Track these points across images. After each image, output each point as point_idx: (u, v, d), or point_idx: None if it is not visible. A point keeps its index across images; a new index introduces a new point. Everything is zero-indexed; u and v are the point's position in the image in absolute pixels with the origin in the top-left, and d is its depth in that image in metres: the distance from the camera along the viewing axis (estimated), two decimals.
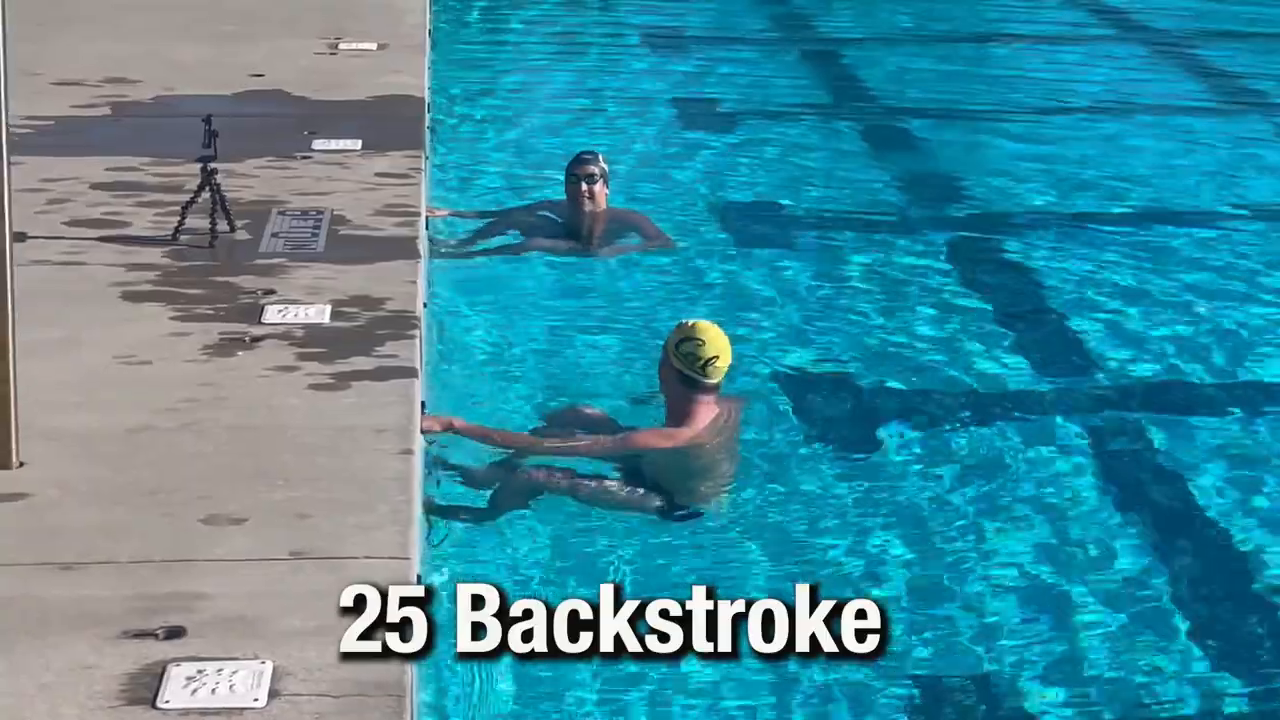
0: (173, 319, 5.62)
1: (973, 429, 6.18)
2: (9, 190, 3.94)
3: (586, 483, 4.96)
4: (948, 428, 6.22)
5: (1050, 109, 11.64)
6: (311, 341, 5.20)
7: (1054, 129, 11.02)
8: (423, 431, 4.67)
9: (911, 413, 6.35)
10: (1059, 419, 6.20)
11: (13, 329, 4.06)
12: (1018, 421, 6.26)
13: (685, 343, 4.85)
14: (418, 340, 5.45)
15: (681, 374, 4.84)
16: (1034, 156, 10.02)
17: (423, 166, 7.76)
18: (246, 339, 5.14)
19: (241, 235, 6.24)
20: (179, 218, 6.16)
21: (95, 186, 6.93)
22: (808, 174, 9.48)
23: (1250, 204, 9.14)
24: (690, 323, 5.12)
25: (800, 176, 9.43)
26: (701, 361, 4.78)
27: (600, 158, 7.54)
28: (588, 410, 5.65)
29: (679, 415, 4.94)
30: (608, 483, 4.97)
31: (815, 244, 8.39)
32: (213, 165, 6.07)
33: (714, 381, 4.87)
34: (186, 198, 6.18)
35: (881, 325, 7.23)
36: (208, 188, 6.10)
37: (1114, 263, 8.37)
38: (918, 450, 5.87)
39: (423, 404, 4.96)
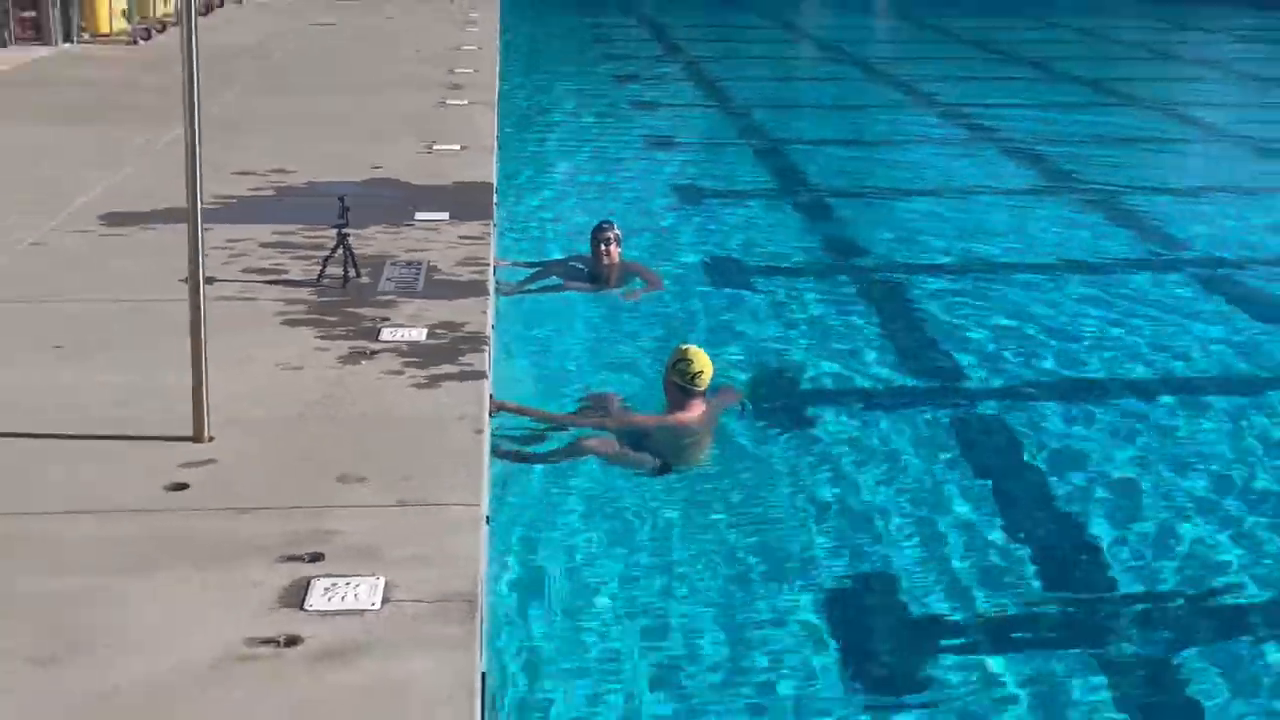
0: (317, 339, 5.36)
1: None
2: (202, 246, 3.92)
3: (605, 446, 4.99)
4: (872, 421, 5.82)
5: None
6: (413, 354, 5.09)
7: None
8: (490, 414, 4.66)
9: (839, 402, 6.10)
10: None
11: (204, 346, 3.95)
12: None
13: (679, 363, 4.92)
14: (487, 353, 5.30)
15: (677, 384, 4.90)
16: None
17: (491, 231, 7.57)
18: (368, 352, 5.04)
19: (365, 280, 6.09)
20: (321, 267, 6.06)
21: (263, 245, 6.77)
22: (763, 238, 9.24)
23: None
24: (683, 347, 5.21)
25: (757, 240, 9.21)
26: (690, 376, 4.85)
27: (614, 225, 7.45)
28: (609, 396, 5.64)
29: (675, 407, 5.01)
30: (621, 447, 4.99)
31: (770, 290, 8.13)
32: (345, 230, 5.95)
33: (701, 389, 4.95)
34: (326, 253, 6.07)
35: (819, 344, 6.94)
36: (341, 246, 5.97)
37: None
38: (841, 432, 5.57)
39: (490, 397, 4.87)
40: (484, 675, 2.79)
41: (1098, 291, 7.91)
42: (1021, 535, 4.61)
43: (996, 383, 6.48)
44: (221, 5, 20.08)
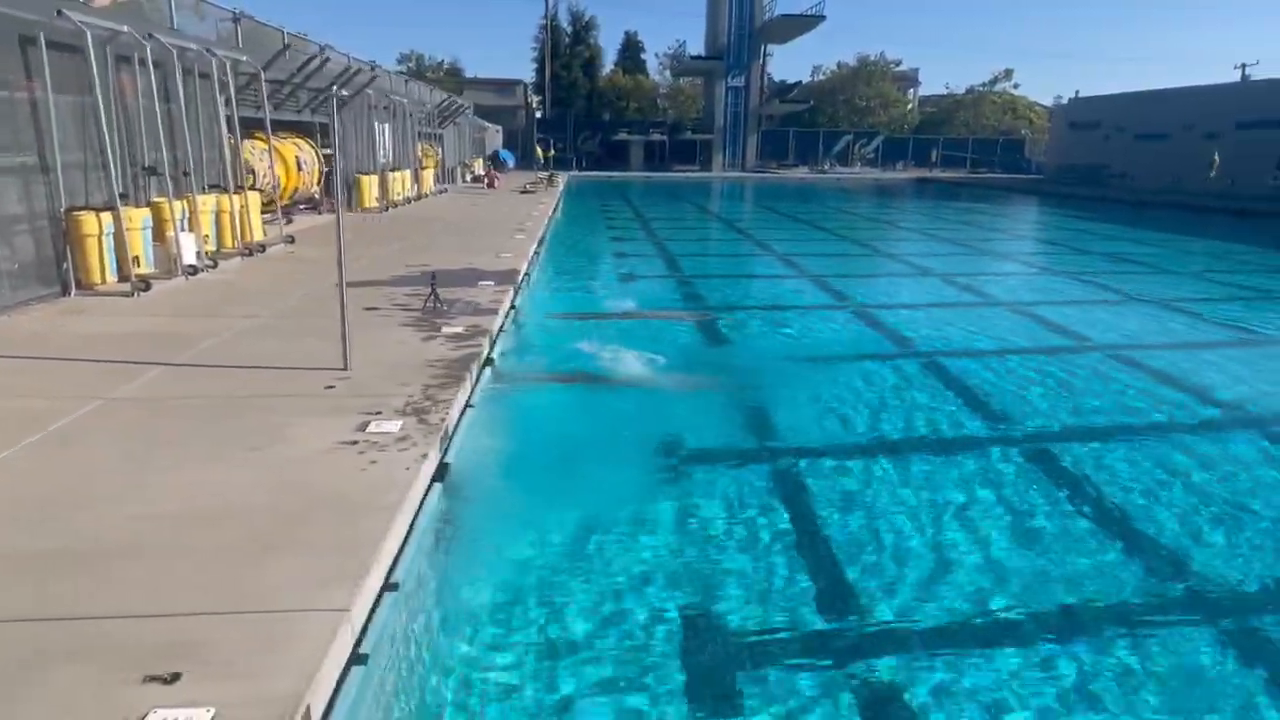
0: (412, 332, 7.15)
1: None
2: (344, 295, 6.08)
3: None
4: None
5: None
6: (454, 338, 6.93)
7: None
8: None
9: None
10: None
11: (347, 336, 5.75)
12: None
13: None
14: (489, 337, 6.97)
15: None
16: None
17: (511, 290, 9.13)
18: (440, 334, 6.85)
19: (444, 307, 7.85)
20: (425, 301, 7.94)
21: (399, 295, 8.61)
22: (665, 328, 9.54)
23: None
24: None
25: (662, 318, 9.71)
26: None
27: None
28: None
29: None
30: None
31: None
32: (434, 287, 7.84)
33: None
34: (427, 294, 7.95)
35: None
36: (434, 293, 7.90)
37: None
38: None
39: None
40: None
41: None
42: None
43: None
44: (425, 197, 23.74)
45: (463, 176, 32.35)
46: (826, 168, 51.27)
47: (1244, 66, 35.31)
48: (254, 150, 13.41)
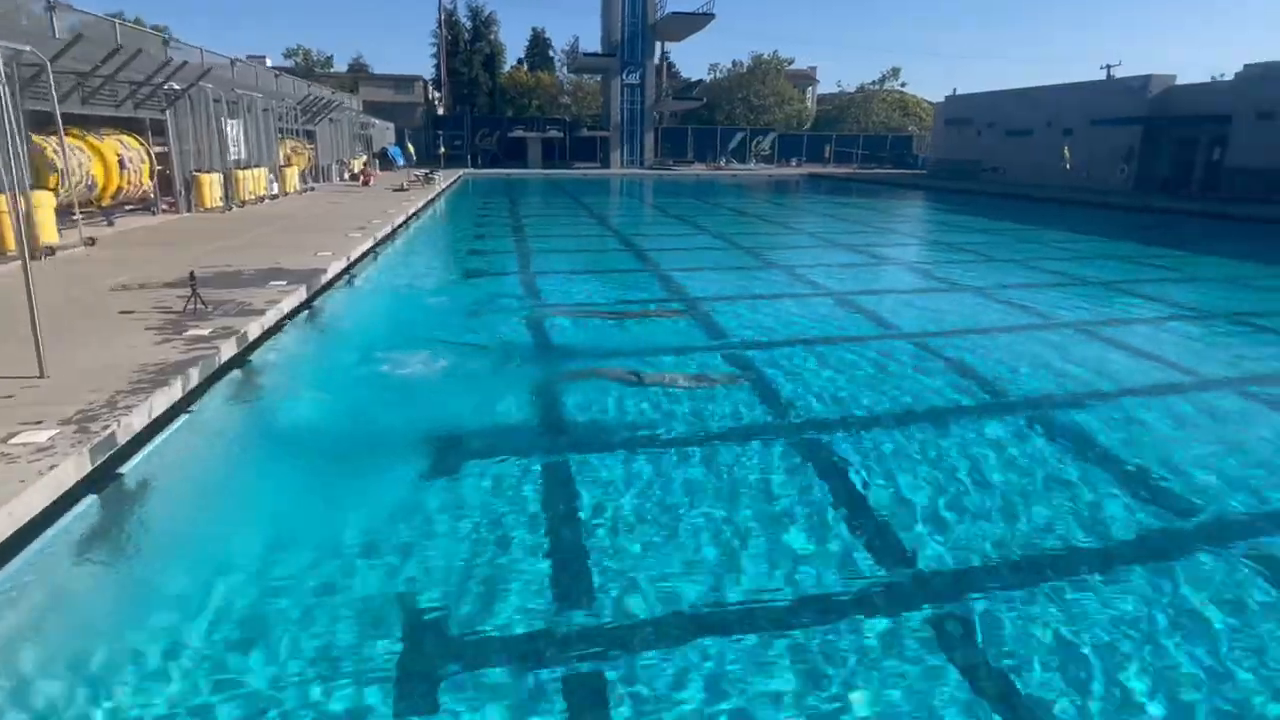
0: (151, 336, 6.80)
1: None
2: (33, 298, 5.80)
3: None
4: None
5: None
6: (196, 340, 6.74)
7: None
8: None
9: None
10: None
11: (39, 333, 5.82)
12: None
13: None
14: (235, 339, 6.66)
15: None
16: None
17: (296, 291, 8.86)
18: (180, 338, 6.54)
19: (208, 310, 7.48)
20: (186, 305, 7.55)
21: (170, 298, 8.07)
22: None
23: None
24: None
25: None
26: None
27: None
28: None
29: None
30: None
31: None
32: (194, 288, 7.46)
33: None
34: (189, 294, 7.56)
35: None
36: (194, 295, 7.52)
37: None
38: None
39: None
40: None
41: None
42: None
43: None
44: (286, 196, 22.75)
45: (340, 175, 31.25)
46: (723, 164, 51.98)
47: (1109, 67, 37.46)
48: (57, 148, 12.46)
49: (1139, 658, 3.24)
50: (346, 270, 11.09)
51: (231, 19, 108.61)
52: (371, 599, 3.47)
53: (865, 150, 57.21)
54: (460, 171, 42.03)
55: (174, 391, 5.55)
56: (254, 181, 20.00)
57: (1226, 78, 29.99)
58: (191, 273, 7.81)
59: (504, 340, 8.13)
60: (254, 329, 7.41)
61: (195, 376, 5.91)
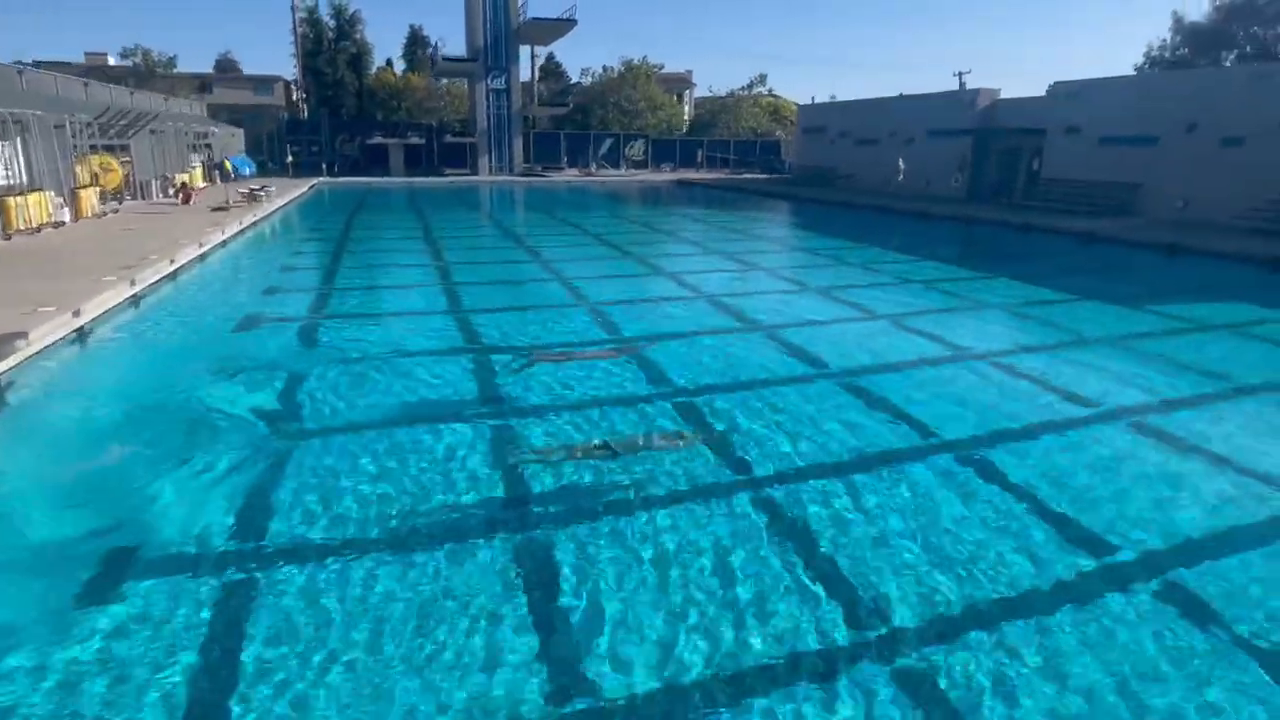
0: None
1: None
2: None
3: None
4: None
5: None
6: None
7: None
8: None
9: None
10: None
11: None
12: None
13: None
14: None
15: None
16: None
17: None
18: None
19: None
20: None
21: None
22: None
23: None
24: None
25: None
26: None
27: None
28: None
29: None
30: None
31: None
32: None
33: None
34: None
35: None
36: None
37: None
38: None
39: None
40: None
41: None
42: None
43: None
44: (80, 220, 20.89)
45: (165, 190, 29.14)
46: (595, 170, 51.87)
47: (960, 74, 39.52)
48: None
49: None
50: (77, 330, 10.09)
51: (73, 14, 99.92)
52: None
53: (736, 155, 58.39)
54: (315, 180, 40.18)
55: None
56: (31, 208, 18.25)
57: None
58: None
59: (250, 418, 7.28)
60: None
61: None
